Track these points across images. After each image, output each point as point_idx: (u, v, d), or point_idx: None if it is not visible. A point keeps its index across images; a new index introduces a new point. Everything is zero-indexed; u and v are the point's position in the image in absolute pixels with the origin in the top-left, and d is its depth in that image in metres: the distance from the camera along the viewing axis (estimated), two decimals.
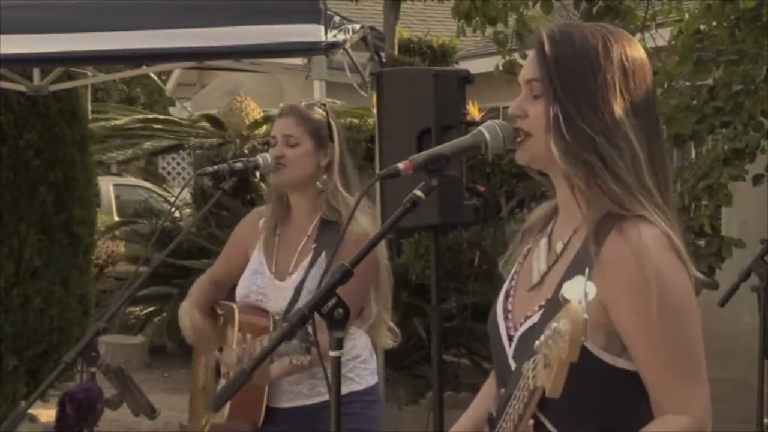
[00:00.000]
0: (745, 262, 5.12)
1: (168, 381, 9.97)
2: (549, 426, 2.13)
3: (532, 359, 1.95)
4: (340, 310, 2.25)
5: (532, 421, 2.06)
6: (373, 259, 3.58)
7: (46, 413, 7.15)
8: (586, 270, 2.05)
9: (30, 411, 5.56)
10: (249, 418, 3.66)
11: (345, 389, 3.60)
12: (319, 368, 3.55)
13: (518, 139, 2.22)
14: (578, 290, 1.88)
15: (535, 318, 2.18)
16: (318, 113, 3.74)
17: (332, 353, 2.29)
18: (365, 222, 3.56)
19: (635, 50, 2.23)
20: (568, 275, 2.16)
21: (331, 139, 3.71)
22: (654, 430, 2.09)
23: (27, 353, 7.25)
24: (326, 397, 3.58)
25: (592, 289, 1.89)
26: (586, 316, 1.83)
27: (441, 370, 4.86)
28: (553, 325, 1.86)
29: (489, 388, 2.46)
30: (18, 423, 3.56)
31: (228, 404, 3.63)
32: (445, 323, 4.57)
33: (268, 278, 3.71)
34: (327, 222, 3.67)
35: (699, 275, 2.19)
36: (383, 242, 3.65)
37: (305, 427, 3.67)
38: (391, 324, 3.76)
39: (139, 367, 10.07)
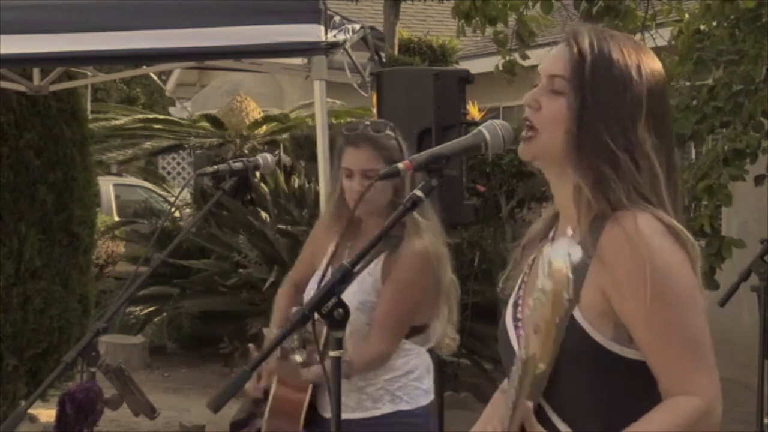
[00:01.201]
0: (745, 262, 5.13)
1: (168, 381, 9.97)
2: (558, 421, 2.13)
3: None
4: (340, 310, 2.25)
5: (530, 403, 2.03)
6: (433, 277, 3.52)
7: (46, 413, 7.15)
8: (569, 231, 2.04)
9: (30, 411, 5.57)
10: (289, 417, 3.64)
11: (392, 407, 3.57)
12: (367, 384, 3.53)
13: (525, 134, 2.20)
14: (562, 252, 1.87)
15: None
16: (390, 137, 3.63)
17: (332, 353, 2.29)
18: (427, 239, 3.46)
19: (658, 67, 2.22)
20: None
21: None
22: (662, 410, 2.08)
23: (27, 353, 7.25)
24: (372, 413, 3.56)
25: (576, 251, 1.88)
26: (570, 275, 1.82)
27: (441, 370, 4.87)
28: (539, 286, 1.85)
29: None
30: (18, 423, 3.57)
31: (270, 400, 3.64)
32: None
33: None
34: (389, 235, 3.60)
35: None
36: (447, 259, 3.57)
37: None
38: (454, 334, 3.65)
39: (139, 367, 10.07)
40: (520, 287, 2.33)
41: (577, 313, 2.11)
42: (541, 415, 2.12)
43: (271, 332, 3.81)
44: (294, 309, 3.75)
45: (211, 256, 10.33)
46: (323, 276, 3.63)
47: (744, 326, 8.40)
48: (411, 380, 3.61)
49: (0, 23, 5.23)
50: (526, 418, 2.02)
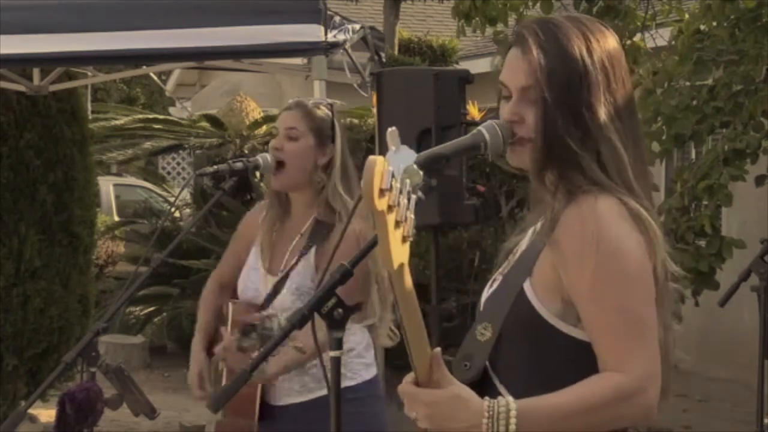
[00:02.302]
0: (745, 262, 5.12)
1: (168, 381, 9.98)
2: (502, 389, 2.14)
3: None
4: (340, 310, 2.26)
5: (438, 348, 2.02)
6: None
7: (46, 413, 7.15)
8: (542, 254, 2.08)
9: (30, 411, 5.57)
10: (245, 413, 3.66)
11: None
12: (311, 366, 3.57)
13: (513, 144, 2.21)
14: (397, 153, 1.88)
15: (494, 287, 2.24)
16: (323, 111, 3.72)
17: (332, 353, 2.29)
18: (357, 222, 3.54)
19: (611, 44, 2.21)
20: (526, 250, 2.21)
21: (333, 140, 3.69)
22: (588, 382, 2.06)
23: (27, 353, 7.25)
24: (317, 394, 3.61)
25: (410, 154, 1.89)
26: (388, 167, 1.81)
27: None
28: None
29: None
30: (18, 423, 3.57)
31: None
32: (445, 323, 4.58)
33: (261, 274, 3.71)
34: (321, 222, 3.66)
35: (675, 269, 2.18)
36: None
37: (297, 424, 3.66)
38: (392, 325, 3.69)
39: (139, 367, 10.08)
40: (500, 268, 2.35)
41: (527, 287, 2.14)
42: (486, 379, 2.15)
43: (197, 335, 3.80)
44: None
45: (211, 256, 10.33)
46: (281, 263, 3.66)
47: (744, 326, 8.40)
48: (352, 357, 3.65)
49: (0, 23, 5.23)
50: (435, 363, 2.01)
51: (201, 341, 3.77)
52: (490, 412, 1.99)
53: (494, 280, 2.33)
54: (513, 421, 1.99)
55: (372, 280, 3.63)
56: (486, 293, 2.32)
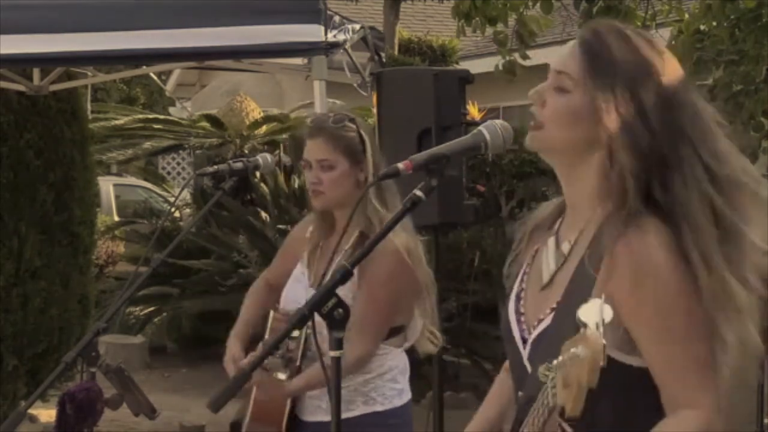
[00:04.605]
0: None
1: (168, 381, 9.98)
2: (565, 426, 2.13)
3: (550, 377, 1.92)
4: (340, 310, 2.25)
5: None
6: (409, 275, 3.45)
7: (46, 413, 7.15)
8: (595, 287, 2.05)
9: (30, 411, 5.57)
10: (271, 422, 3.61)
11: (366, 409, 3.51)
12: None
13: (532, 124, 2.21)
14: (595, 313, 1.86)
15: (547, 321, 2.19)
16: (349, 129, 3.59)
17: (332, 353, 2.29)
18: (401, 236, 3.42)
19: (673, 65, 2.24)
20: (576, 279, 2.17)
21: (365, 153, 3.58)
22: (667, 427, 2.07)
23: (27, 353, 7.25)
24: (345, 415, 3.48)
25: (608, 313, 1.87)
26: (604, 342, 1.82)
27: (441, 370, 4.87)
28: (572, 350, 1.84)
29: (501, 388, 2.46)
30: (18, 423, 3.57)
31: (251, 405, 3.62)
32: (445, 323, 4.57)
33: (305, 287, 3.65)
34: (364, 235, 3.52)
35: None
36: (420, 252, 3.52)
37: None
38: (433, 329, 3.61)
39: (139, 367, 10.07)
40: (522, 279, 2.33)
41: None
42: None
43: (235, 333, 3.77)
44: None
45: (211, 256, 10.33)
46: (321, 277, 3.63)
47: None
48: (385, 381, 3.56)
49: (0, 23, 5.23)
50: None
51: (240, 334, 3.68)
52: None
53: (520, 293, 2.30)
54: None
55: (420, 302, 3.55)
56: (513, 313, 2.29)
